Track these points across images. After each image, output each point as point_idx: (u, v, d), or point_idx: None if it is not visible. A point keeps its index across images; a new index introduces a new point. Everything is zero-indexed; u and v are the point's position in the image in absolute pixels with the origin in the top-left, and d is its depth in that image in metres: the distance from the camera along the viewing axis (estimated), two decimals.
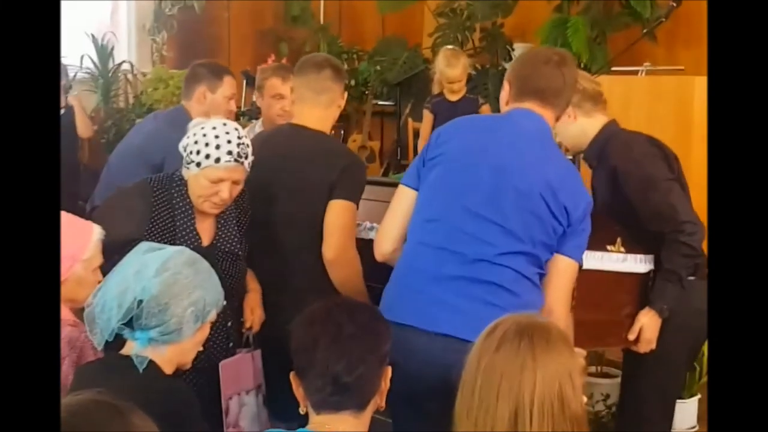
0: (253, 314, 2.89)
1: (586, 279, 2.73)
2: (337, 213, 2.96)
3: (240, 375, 2.74)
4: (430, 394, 2.44)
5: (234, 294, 2.79)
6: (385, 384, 2.01)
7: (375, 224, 2.95)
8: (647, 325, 2.95)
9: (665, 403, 3.17)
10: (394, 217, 2.71)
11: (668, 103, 4.32)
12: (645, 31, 5.47)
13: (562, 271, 2.58)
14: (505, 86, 2.71)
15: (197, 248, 2.60)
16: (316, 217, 2.96)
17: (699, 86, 4.41)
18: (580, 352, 2.79)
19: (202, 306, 2.22)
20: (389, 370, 2.02)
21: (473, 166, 2.57)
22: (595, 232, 2.68)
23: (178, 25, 7.25)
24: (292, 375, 2.01)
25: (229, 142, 2.65)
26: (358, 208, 3.01)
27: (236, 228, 2.84)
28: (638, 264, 2.94)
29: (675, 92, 4.44)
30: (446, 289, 2.52)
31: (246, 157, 2.69)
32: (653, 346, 2.97)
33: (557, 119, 2.71)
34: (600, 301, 2.87)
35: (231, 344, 2.76)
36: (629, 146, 3.06)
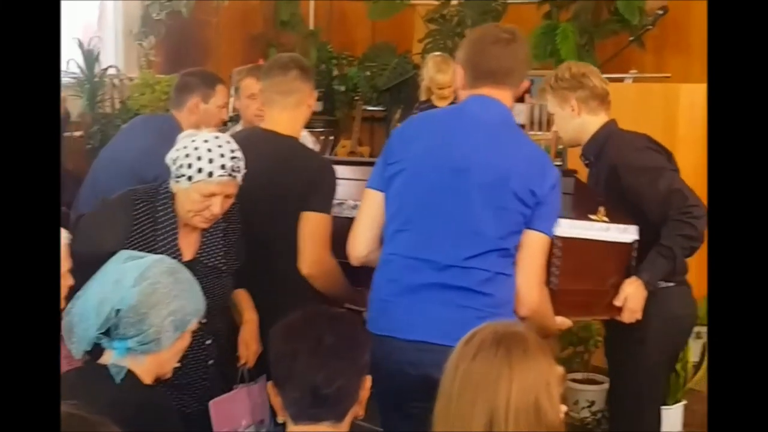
0: (248, 349, 2.79)
1: (570, 247, 2.73)
2: (310, 226, 2.92)
3: (234, 412, 2.69)
4: (415, 400, 2.46)
5: (216, 311, 2.71)
6: (365, 393, 2.00)
7: (358, 202, 2.89)
8: (632, 294, 2.94)
9: (652, 408, 3.18)
10: (364, 222, 2.70)
11: (655, 110, 4.33)
12: (632, 38, 5.48)
13: (533, 245, 2.57)
14: (458, 71, 2.69)
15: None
16: (288, 227, 2.92)
17: (685, 94, 4.43)
18: (565, 322, 2.81)
19: (181, 315, 2.20)
20: (369, 379, 2.01)
21: (435, 169, 2.57)
22: (578, 201, 2.70)
23: (165, 29, 7.21)
24: (269, 385, 2.00)
25: (222, 156, 2.58)
26: (331, 216, 2.97)
27: (222, 242, 2.76)
28: (622, 234, 2.92)
29: (661, 99, 4.46)
30: (420, 298, 2.55)
31: (239, 171, 2.62)
32: (638, 316, 2.96)
33: (515, 96, 2.69)
34: (584, 270, 2.85)
35: (210, 362, 2.69)
36: (632, 142, 3.09)
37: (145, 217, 2.66)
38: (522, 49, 2.68)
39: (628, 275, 2.96)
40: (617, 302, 2.94)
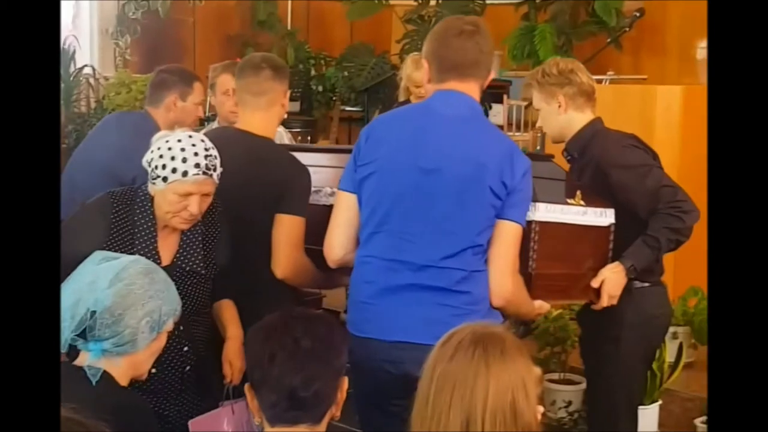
0: (232, 367, 2.72)
1: (547, 231, 2.73)
2: (284, 229, 2.90)
3: (218, 429, 2.65)
4: (396, 398, 2.48)
5: (195, 317, 2.68)
6: (342, 395, 1.99)
7: (335, 189, 2.90)
8: (610, 278, 2.94)
9: (628, 408, 3.19)
10: (339, 224, 2.71)
11: (631, 112, 4.35)
12: (610, 39, 5.52)
13: (505, 235, 2.56)
14: (424, 65, 2.67)
15: None
16: (262, 229, 2.90)
17: (661, 95, 4.46)
18: (543, 306, 2.81)
19: (157, 316, 2.18)
20: (345, 380, 2.00)
21: (406, 170, 2.57)
22: (555, 186, 2.72)
23: (141, 29, 7.18)
24: (246, 387, 1.98)
25: (196, 154, 2.55)
26: (306, 219, 2.95)
27: (201, 246, 2.72)
28: (599, 217, 2.92)
29: (638, 101, 4.48)
30: (398, 299, 2.57)
31: (214, 169, 2.59)
32: (614, 301, 2.96)
33: (482, 87, 2.68)
34: (562, 254, 2.85)
35: (187, 368, 2.64)
36: (619, 141, 3.09)
37: (124, 220, 2.63)
38: (486, 40, 2.65)
39: (605, 259, 2.96)
40: (594, 283, 2.93)
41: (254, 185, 2.91)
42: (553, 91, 3.12)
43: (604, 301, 2.95)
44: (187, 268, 2.68)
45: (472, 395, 1.70)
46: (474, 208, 2.54)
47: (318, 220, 2.84)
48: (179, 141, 2.58)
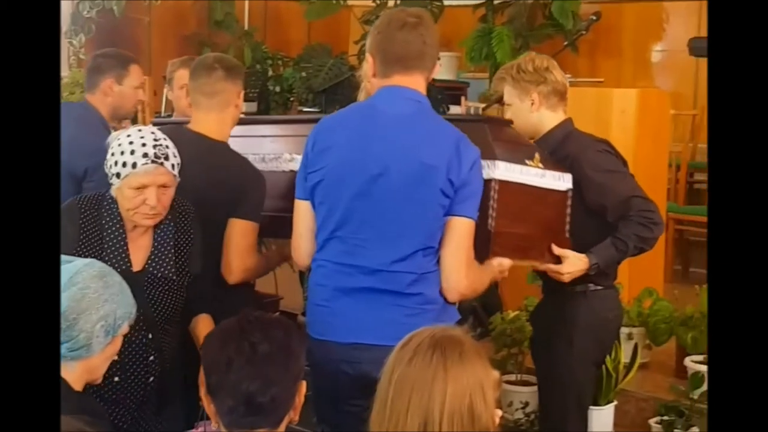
0: None
1: (507, 191, 2.74)
2: (238, 234, 2.91)
3: None
4: (353, 398, 2.51)
5: (165, 325, 2.63)
6: (300, 399, 1.98)
7: (295, 155, 3.00)
8: (574, 259, 2.95)
9: (578, 409, 3.21)
10: (301, 234, 2.72)
11: (588, 115, 4.37)
12: (567, 42, 5.55)
13: (457, 231, 2.56)
14: (368, 59, 2.65)
15: (125, 273, 2.46)
16: (216, 234, 2.89)
17: (617, 98, 4.51)
18: (503, 263, 2.80)
19: (112, 320, 2.16)
20: (303, 385, 1.99)
21: (354, 176, 2.56)
22: (514, 148, 2.74)
23: (96, 28, 7.09)
24: (203, 392, 1.97)
25: (143, 145, 2.52)
26: (259, 224, 2.97)
27: (173, 251, 2.67)
28: (557, 181, 2.93)
29: (594, 104, 4.51)
30: (352, 301, 2.59)
31: (165, 158, 2.54)
32: (564, 279, 2.97)
33: (428, 80, 2.66)
34: (521, 214, 2.85)
35: (151, 379, 2.60)
36: (593, 144, 3.10)
37: (92, 225, 2.60)
38: (430, 32, 2.63)
39: (563, 224, 2.97)
40: (556, 251, 2.94)
41: (210, 190, 2.88)
42: (528, 88, 3.10)
43: (564, 268, 2.94)
44: (159, 274, 2.63)
45: (430, 398, 1.70)
46: (423, 210, 2.53)
47: (282, 186, 2.97)
48: (128, 136, 2.56)
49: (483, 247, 2.68)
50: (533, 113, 3.11)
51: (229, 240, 2.91)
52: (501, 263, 2.80)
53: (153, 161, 2.52)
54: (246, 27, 8.18)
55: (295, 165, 2.93)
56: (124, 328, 2.22)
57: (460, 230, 2.56)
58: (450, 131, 2.61)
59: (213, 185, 2.89)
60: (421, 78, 2.63)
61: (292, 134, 3.28)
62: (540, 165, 2.87)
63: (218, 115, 3.03)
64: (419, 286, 2.57)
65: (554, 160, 3.00)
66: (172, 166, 2.57)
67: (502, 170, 2.72)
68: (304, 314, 4.66)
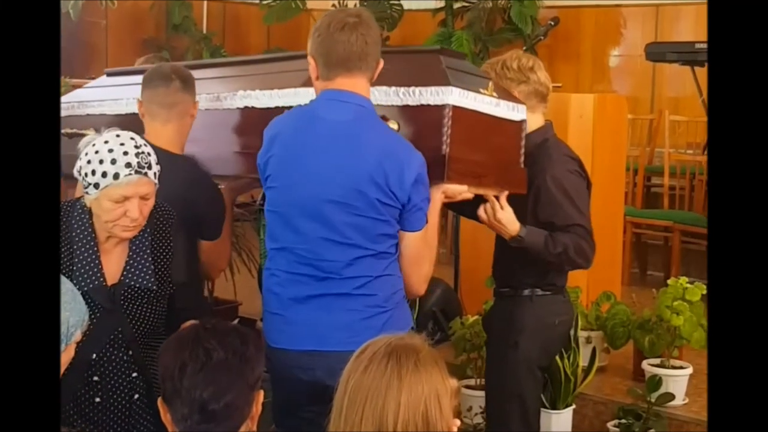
0: None
1: (461, 117, 2.71)
2: (212, 253, 3.02)
3: None
4: (310, 404, 2.54)
5: (146, 339, 2.49)
6: (257, 408, 1.96)
7: (248, 91, 3.14)
8: (509, 215, 2.90)
9: (524, 411, 3.18)
10: None
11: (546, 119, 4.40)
12: (525, 47, 5.58)
13: (409, 245, 2.62)
14: (311, 62, 2.61)
15: (98, 288, 2.40)
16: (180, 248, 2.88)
17: (575, 103, 4.53)
18: (457, 189, 2.76)
19: (65, 328, 2.12)
20: (261, 394, 1.97)
21: (295, 186, 2.57)
22: (467, 76, 2.77)
23: None
24: (159, 401, 1.95)
25: (125, 153, 2.36)
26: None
27: (151, 260, 2.50)
28: (511, 111, 2.90)
29: (552, 108, 4.52)
30: (305, 308, 2.60)
31: (149, 167, 2.39)
32: (494, 224, 2.92)
33: (371, 80, 2.64)
34: (475, 141, 2.81)
35: (136, 396, 2.48)
36: (566, 163, 3.08)
37: (61, 237, 2.43)
38: (371, 31, 2.59)
39: (518, 154, 2.94)
40: (500, 198, 2.89)
41: (173, 203, 2.84)
42: (509, 86, 3.06)
43: (501, 214, 2.89)
44: (137, 285, 2.47)
45: (384, 407, 1.70)
46: (363, 220, 2.54)
47: (241, 123, 3.12)
48: (106, 142, 2.39)
49: (438, 172, 2.66)
50: None
51: (206, 259, 3.00)
52: (456, 189, 2.76)
53: (137, 171, 2.36)
54: (204, 31, 8.14)
55: (249, 101, 3.10)
56: (77, 336, 2.19)
57: (413, 243, 2.62)
58: (393, 138, 2.60)
59: (172, 201, 2.84)
60: (364, 79, 2.60)
61: (242, 74, 3.37)
62: (494, 94, 2.84)
63: (176, 125, 3.01)
64: (372, 288, 2.58)
65: (526, 164, 3.02)
66: (155, 174, 2.43)
67: (456, 96, 2.69)
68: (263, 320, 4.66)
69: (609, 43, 7.75)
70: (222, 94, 3.24)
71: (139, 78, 3.20)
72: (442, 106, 2.67)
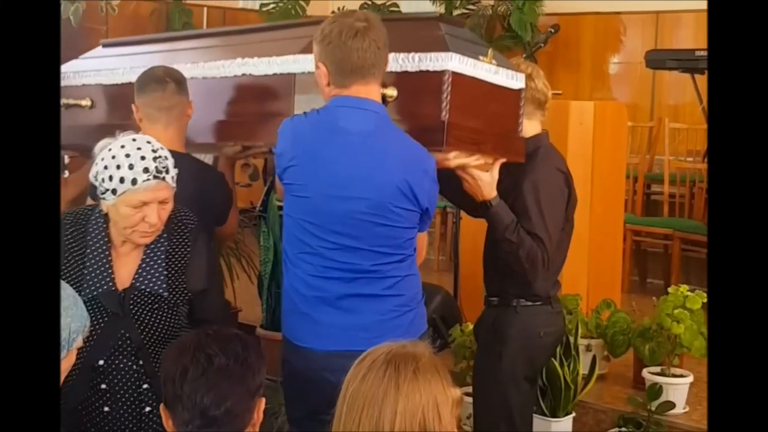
0: None
1: (460, 83, 2.70)
2: (225, 234, 3.24)
3: None
4: (331, 407, 2.48)
5: (157, 348, 2.42)
6: (258, 416, 1.96)
7: (248, 59, 3.13)
8: (489, 181, 2.90)
9: (511, 422, 3.15)
10: None
11: (546, 126, 4.39)
12: (525, 55, 5.58)
13: (419, 240, 2.74)
14: (321, 67, 2.59)
15: (107, 292, 2.38)
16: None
17: (574, 110, 4.53)
18: (458, 157, 2.79)
19: (66, 334, 2.11)
20: (263, 401, 1.97)
21: (323, 198, 2.57)
22: (467, 44, 2.79)
23: None
24: (161, 407, 1.95)
25: (143, 158, 2.32)
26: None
27: (164, 265, 2.45)
28: (510, 80, 2.90)
29: (552, 116, 4.52)
30: (334, 309, 2.61)
31: (166, 171, 2.36)
32: (470, 185, 2.93)
33: (381, 82, 2.64)
34: (474, 108, 2.80)
35: (147, 409, 2.43)
36: (552, 175, 3.07)
37: (74, 242, 2.43)
38: (380, 34, 2.58)
39: (517, 122, 2.94)
40: (496, 166, 2.92)
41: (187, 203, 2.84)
42: None
43: (482, 176, 2.90)
44: (147, 290, 2.42)
45: (380, 416, 1.69)
46: (394, 228, 2.59)
47: (235, 91, 3.15)
48: (123, 147, 2.35)
49: (437, 138, 2.66)
50: None
51: (219, 234, 3.17)
52: (456, 156, 2.78)
53: (156, 176, 2.33)
54: None
55: (247, 68, 3.10)
56: (79, 342, 2.18)
57: (420, 239, 2.73)
58: (409, 143, 2.62)
59: (186, 200, 2.85)
60: (377, 85, 2.62)
61: (250, 42, 3.36)
62: (493, 62, 2.84)
63: (175, 127, 3.03)
64: (400, 288, 2.63)
65: (515, 170, 3.01)
66: (172, 178, 2.40)
67: (455, 62, 2.68)
68: (263, 327, 4.65)
69: (609, 51, 7.75)
70: (219, 62, 3.23)
71: (135, 48, 3.21)
72: (442, 72, 2.66)
